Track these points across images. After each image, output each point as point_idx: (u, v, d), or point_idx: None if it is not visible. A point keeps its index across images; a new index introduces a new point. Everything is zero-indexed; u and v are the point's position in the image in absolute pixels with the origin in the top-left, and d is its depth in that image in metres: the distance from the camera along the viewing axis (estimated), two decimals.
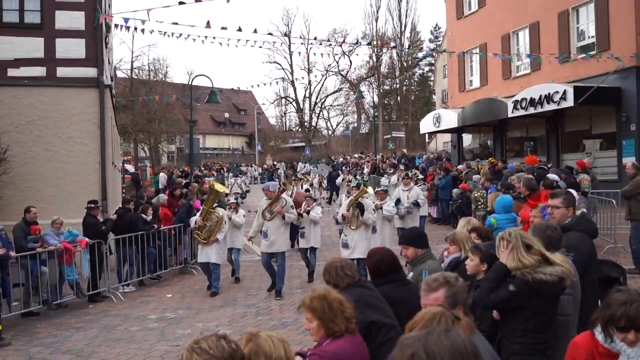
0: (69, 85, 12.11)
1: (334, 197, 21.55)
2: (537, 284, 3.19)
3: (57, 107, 12.04)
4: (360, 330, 3.05)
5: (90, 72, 12.25)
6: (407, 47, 46.89)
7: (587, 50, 17.27)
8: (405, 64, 51.95)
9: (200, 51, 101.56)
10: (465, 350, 1.48)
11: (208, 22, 12.83)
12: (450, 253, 4.66)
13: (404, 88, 54.23)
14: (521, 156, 19.21)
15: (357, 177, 22.64)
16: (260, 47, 18.93)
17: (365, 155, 33.42)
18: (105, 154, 12.37)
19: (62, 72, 12.08)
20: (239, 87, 43.05)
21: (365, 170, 25.48)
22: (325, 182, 23.37)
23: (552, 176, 9.97)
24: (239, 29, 13.79)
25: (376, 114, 46.17)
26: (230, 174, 32.38)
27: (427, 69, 56.54)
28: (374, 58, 50.32)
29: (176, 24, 13.32)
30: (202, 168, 31.44)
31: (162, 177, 24.85)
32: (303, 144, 51.77)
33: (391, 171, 17.20)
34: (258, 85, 54.49)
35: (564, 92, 16.12)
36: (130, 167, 30.56)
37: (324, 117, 57.94)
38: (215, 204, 9.86)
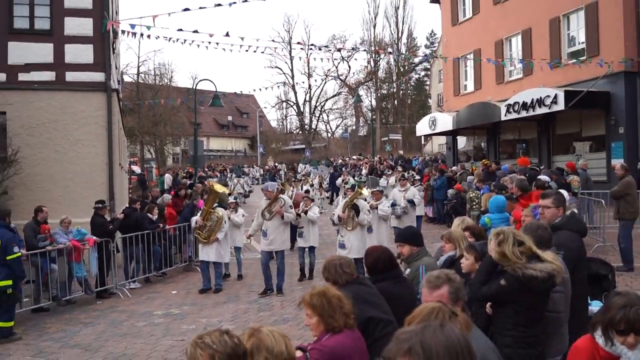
0: (77, 89, 12.11)
1: (335, 198, 21.54)
2: (528, 279, 3.20)
3: (66, 110, 12.04)
4: (358, 325, 3.05)
5: (98, 76, 12.26)
6: (403, 52, 46.96)
7: (578, 56, 17.30)
8: (402, 69, 51.97)
9: (204, 56, 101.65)
10: (459, 345, 1.48)
11: (211, 33, 12.82)
12: (446, 251, 4.67)
13: (401, 92, 54.25)
14: (514, 158, 19.22)
15: (356, 177, 22.66)
16: (262, 52, 18.92)
17: (364, 157, 33.44)
18: (112, 156, 12.37)
19: (71, 76, 12.09)
20: (241, 91, 43.06)
21: (364, 171, 25.49)
22: (325, 183, 23.36)
23: (543, 177, 9.98)
24: (242, 38, 13.84)
25: (374, 117, 46.24)
26: (233, 175, 32.37)
27: (423, 73, 56.57)
28: (372, 63, 50.29)
29: (181, 30, 13.34)
30: (206, 169, 31.42)
31: (168, 178, 24.85)
32: (303, 146, 51.77)
33: (389, 172, 17.22)
34: (260, 89, 54.77)
35: (555, 96, 16.14)
36: (136, 168, 30.57)
37: (323, 120, 58.05)
38: (216, 204, 9.79)
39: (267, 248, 9.05)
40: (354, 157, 35.15)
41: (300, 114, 55.17)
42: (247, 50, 14.43)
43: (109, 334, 7.38)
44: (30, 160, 11.66)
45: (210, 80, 28.66)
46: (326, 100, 55.17)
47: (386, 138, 46.35)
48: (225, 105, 43.12)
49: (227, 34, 13.47)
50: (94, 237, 9.63)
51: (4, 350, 6.90)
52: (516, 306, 3.27)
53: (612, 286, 5.53)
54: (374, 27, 51.16)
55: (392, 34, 50.54)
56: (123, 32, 13.74)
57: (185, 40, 14.15)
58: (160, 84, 41.87)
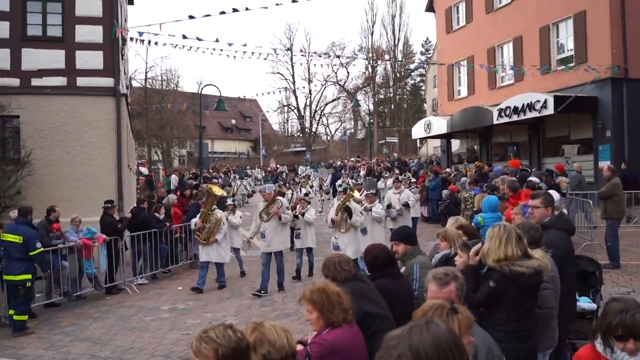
0: (87, 94, 12.12)
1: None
2: (515, 275, 3.19)
3: (77, 114, 12.05)
4: (356, 320, 3.05)
5: (107, 82, 12.27)
6: (400, 59, 46.98)
7: (566, 63, 17.31)
8: (398, 75, 51.97)
9: (209, 62, 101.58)
10: (446, 341, 1.46)
11: (217, 39, 12.83)
12: (442, 249, 4.66)
13: (397, 97, 54.23)
14: (505, 160, 19.20)
15: (354, 179, 22.66)
16: (265, 59, 18.93)
17: (362, 159, 33.45)
18: (121, 158, 12.37)
19: (81, 81, 12.10)
20: (244, 96, 43.27)
21: (362, 173, 25.49)
22: (325, 184, 23.33)
23: (534, 178, 9.99)
24: (244, 44, 13.86)
25: (371, 120, 46.28)
26: (237, 176, 32.37)
27: (418, 79, 56.58)
28: (370, 69, 50.37)
29: (187, 37, 13.36)
30: (211, 170, 31.41)
31: (174, 178, 24.85)
32: (304, 148, 51.74)
33: (387, 174, 17.19)
34: (262, 94, 54.99)
35: (545, 101, 16.14)
36: (144, 170, 30.54)
37: (323, 124, 58.06)
38: (214, 207, 9.60)
39: (266, 249, 8.86)
40: (353, 159, 35.16)
41: (300, 117, 55.21)
42: (250, 57, 14.44)
43: (117, 328, 7.38)
44: (43, 161, 11.66)
45: (214, 86, 28.62)
46: (326, 104, 55.27)
47: (383, 141, 46.36)
48: (229, 109, 43.15)
49: (231, 44, 13.50)
50: (103, 236, 9.63)
51: (18, 344, 6.90)
52: (506, 302, 3.27)
53: (600, 283, 5.53)
54: (372, 34, 51.01)
55: (389, 41, 50.55)
56: (131, 39, 13.75)
57: (190, 47, 14.14)
58: (167, 89, 41.85)
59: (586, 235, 10.82)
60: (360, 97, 49.59)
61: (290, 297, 8.49)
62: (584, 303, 5.17)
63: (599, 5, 16.10)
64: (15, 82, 11.76)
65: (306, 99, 54.36)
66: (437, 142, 30.68)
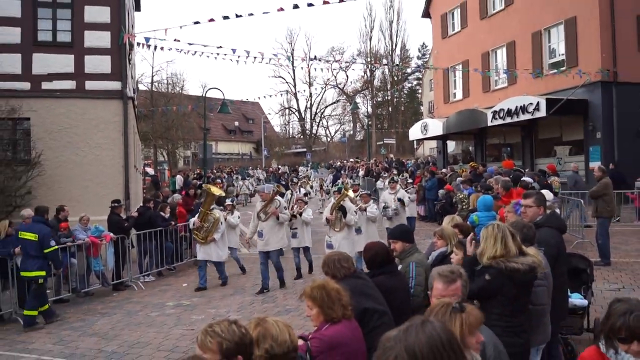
0: (96, 97, 12.12)
1: None
2: (510, 272, 3.19)
3: (86, 116, 12.04)
4: (355, 316, 3.04)
5: (115, 85, 12.26)
6: (397, 63, 46.96)
7: (558, 67, 17.31)
8: (395, 79, 51.93)
9: (213, 67, 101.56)
10: (440, 340, 1.46)
11: (220, 46, 12.84)
12: (438, 247, 4.65)
13: (395, 100, 54.23)
14: (499, 161, 19.21)
15: (352, 179, 22.64)
16: (267, 63, 19.01)
17: (360, 159, 33.44)
18: (128, 159, 12.36)
19: (90, 85, 12.09)
20: (247, 99, 43.01)
21: (360, 173, 25.48)
22: (326, 184, 23.32)
23: (527, 178, 9.98)
24: (247, 50, 13.86)
25: (370, 122, 46.27)
26: (239, 177, 32.35)
27: (415, 82, 56.52)
28: (368, 73, 50.38)
29: (192, 43, 13.36)
30: (215, 171, 31.40)
31: (179, 179, 24.81)
32: (304, 149, 51.72)
33: (386, 175, 17.15)
34: (264, 97, 55.08)
35: (537, 104, 16.15)
36: (150, 170, 30.46)
37: (323, 126, 58.06)
38: (213, 206, 9.50)
39: (264, 248, 8.73)
40: (352, 160, 35.16)
41: (301, 119, 55.22)
42: (252, 62, 14.44)
43: (124, 324, 7.38)
44: (52, 162, 11.66)
45: (218, 89, 28.74)
46: (326, 107, 55.26)
47: (381, 142, 46.38)
48: (233, 111, 43.13)
49: (234, 50, 13.50)
50: (111, 234, 9.63)
51: (27, 339, 6.90)
52: (502, 298, 3.26)
53: (591, 280, 5.53)
54: (370, 39, 51.05)
55: (386, 46, 50.59)
56: (138, 44, 13.76)
57: (195, 52, 14.13)
58: (173, 92, 41.89)
59: (578, 233, 10.82)
60: (359, 100, 49.60)
61: (292, 294, 8.48)
62: (576, 299, 5.17)
63: (589, 11, 16.11)
64: (26, 85, 11.76)
65: (307, 102, 54.46)
66: (434, 144, 30.67)
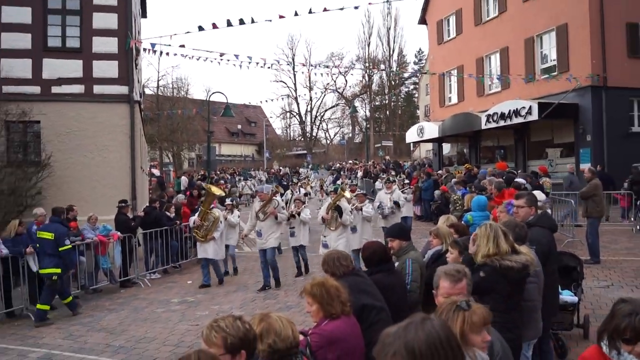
0: (104, 101, 12.12)
1: None
2: (504, 269, 3.19)
3: (94, 119, 12.05)
4: (354, 312, 3.04)
5: (122, 89, 12.27)
6: (394, 68, 46.98)
7: (550, 72, 17.34)
8: (393, 83, 51.96)
9: (216, 72, 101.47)
10: (439, 338, 1.45)
11: (223, 53, 12.84)
12: (434, 245, 4.66)
13: (392, 104, 54.23)
14: (493, 162, 19.22)
15: (350, 180, 22.65)
16: (269, 68, 18.97)
17: (359, 161, 33.44)
18: (134, 160, 12.37)
19: (98, 89, 12.10)
20: (250, 103, 43.22)
21: (359, 174, 25.49)
22: (326, 185, 23.30)
23: (520, 180, 9.98)
24: (250, 56, 13.87)
25: (368, 125, 46.25)
26: (242, 178, 32.36)
27: (412, 87, 56.45)
28: (367, 78, 50.38)
29: (196, 49, 13.37)
30: (218, 172, 31.40)
31: (184, 180, 24.81)
32: (305, 151, 51.71)
33: (384, 176, 17.12)
34: (266, 100, 54.66)
35: (530, 108, 16.17)
36: (156, 171, 30.46)
37: (323, 129, 57.95)
38: (212, 206, 9.42)
39: (263, 247, 8.71)
40: (350, 161, 35.16)
41: (302, 123, 55.20)
42: (255, 67, 14.45)
43: (131, 319, 7.39)
44: (62, 164, 11.67)
45: (222, 93, 28.76)
46: (325, 110, 55.17)
47: (379, 144, 46.39)
48: (236, 115, 43.04)
49: (237, 55, 13.52)
50: (118, 233, 9.63)
51: (38, 334, 6.91)
52: (495, 294, 3.27)
53: (581, 277, 5.54)
54: (368, 45, 51.01)
55: (384, 51, 50.54)
56: (145, 49, 13.78)
57: (199, 57, 14.15)
58: (178, 96, 41.84)
59: (569, 232, 10.83)
60: (357, 103, 49.71)
61: (292, 291, 8.49)
62: (566, 296, 5.18)
63: (580, 18, 16.14)
64: (36, 89, 11.77)
65: (307, 106, 54.40)
66: (430, 146, 30.67)
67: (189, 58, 14.07)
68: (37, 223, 8.52)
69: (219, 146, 51.63)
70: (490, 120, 17.96)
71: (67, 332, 6.89)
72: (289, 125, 60.46)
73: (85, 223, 9.39)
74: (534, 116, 15.98)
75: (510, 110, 16.99)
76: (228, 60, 14.11)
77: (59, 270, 7.49)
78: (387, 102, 53.17)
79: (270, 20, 12.97)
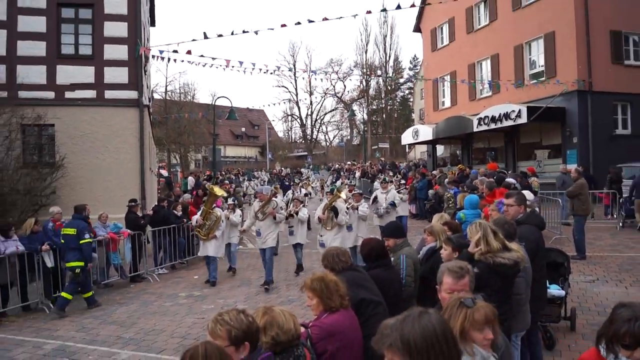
0: (114, 105, 12.13)
1: None
2: (497, 266, 3.19)
3: (105, 123, 12.06)
4: (352, 306, 3.04)
5: (132, 94, 12.28)
6: (391, 74, 46.97)
7: (538, 77, 17.34)
8: (389, 88, 51.94)
9: (221, 77, 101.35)
10: (434, 332, 1.44)
11: (227, 60, 12.85)
12: (428, 242, 4.66)
13: (389, 107, 54.19)
14: (484, 163, 19.23)
15: (349, 180, 22.64)
16: (271, 74, 19.02)
17: (357, 162, 33.44)
18: (144, 162, 12.37)
19: (109, 94, 12.11)
20: (253, 107, 43.10)
21: (357, 175, 25.49)
22: (326, 185, 23.26)
23: (510, 180, 9.98)
24: (253, 63, 13.85)
25: (365, 128, 46.25)
26: (245, 178, 32.36)
27: (407, 92, 56.45)
28: (364, 83, 50.37)
29: (203, 56, 13.37)
30: (223, 173, 31.40)
31: (191, 180, 24.75)
32: (306, 153, 51.74)
33: (382, 176, 17.09)
34: (269, 105, 55.07)
35: (519, 111, 16.17)
36: (164, 172, 30.47)
37: (322, 131, 58.04)
38: (214, 205, 9.34)
39: (262, 246, 8.65)
40: (349, 162, 35.15)
41: (303, 125, 55.23)
42: (258, 73, 14.44)
43: (140, 313, 7.39)
44: (75, 165, 11.68)
45: (227, 97, 28.75)
46: (325, 114, 55.31)
47: (376, 146, 46.37)
48: (240, 118, 43.06)
49: (241, 62, 13.50)
50: (128, 230, 9.64)
51: (52, 326, 6.91)
52: (487, 289, 3.27)
53: (568, 272, 5.55)
54: (366, 52, 51.16)
55: (381, 58, 50.46)
56: (153, 56, 13.74)
57: (205, 64, 14.18)
58: (185, 100, 41.88)
59: (556, 229, 10.83)
60: (355, 107, 49.67)
61: (294, 285, 8.50)
62: (554, 290, 5.18)
63: (567, 26, 16.15)
64: (50, 94, 11.78)
65: (307, 109, 54.50)
66: (424, 148, 30.66)
67: (196, 64, 14.17)
68: (54, 220, 8.54)
69: (224, 148, 51.68)
70: (482, 123, 17.96)
71: (80, 325, 6.89)
72: (291, 128, 60.53)
73: (97, 221, 9.38)
74: (523, 119, 15.98)
75: (500, 113, 16.99)
76: (232, 66, 14.08)
77: (82, 264, 7.60)
78: (383, 106, 53.16)
79: (273, 29, 12.98)
